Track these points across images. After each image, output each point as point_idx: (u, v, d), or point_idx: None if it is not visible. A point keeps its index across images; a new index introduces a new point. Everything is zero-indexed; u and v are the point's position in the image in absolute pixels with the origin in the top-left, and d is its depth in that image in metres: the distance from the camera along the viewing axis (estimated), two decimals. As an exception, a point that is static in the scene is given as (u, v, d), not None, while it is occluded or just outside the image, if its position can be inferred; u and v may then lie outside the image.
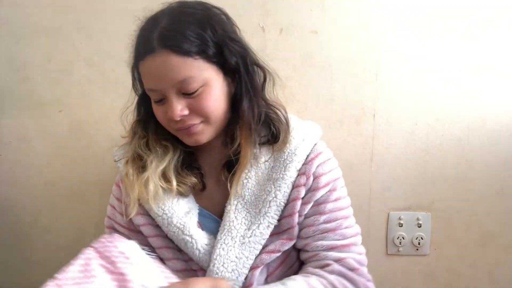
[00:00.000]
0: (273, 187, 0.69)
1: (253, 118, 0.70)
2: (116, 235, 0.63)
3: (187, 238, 0.69)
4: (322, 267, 0.69)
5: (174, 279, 0.59)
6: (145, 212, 0.73)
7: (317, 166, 0.71)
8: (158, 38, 0.63)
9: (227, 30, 0.69)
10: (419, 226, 1.06)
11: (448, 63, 1.01)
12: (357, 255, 0.71)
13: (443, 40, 1.00)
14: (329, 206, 0.71)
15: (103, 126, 1.04)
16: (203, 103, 0.66)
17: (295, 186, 0.70)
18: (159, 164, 0.72)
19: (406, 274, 1.08)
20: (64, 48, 1.02)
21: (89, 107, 1.04)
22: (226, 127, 0.72)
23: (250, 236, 0.68)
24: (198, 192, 0.76)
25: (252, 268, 0.69)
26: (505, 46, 1.01)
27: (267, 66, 0.74)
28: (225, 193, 0.72)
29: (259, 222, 0.69)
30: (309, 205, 0.70)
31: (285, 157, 0.70)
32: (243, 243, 0.68)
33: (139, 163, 0.73)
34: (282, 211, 0.70)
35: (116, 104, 0.99)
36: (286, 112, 0.74)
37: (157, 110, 0.70)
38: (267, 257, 0.70)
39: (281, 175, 0.69)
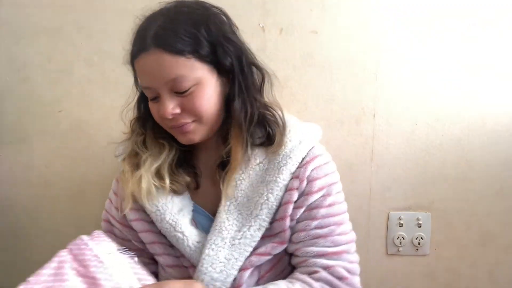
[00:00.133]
0: (265, 189, 0.69)
1: (245, 118, 0.69)
2: (96, 235, 0.63)
3: (179, 234, 0.70)
4: (310, 273, 0.68)
5: (149, 281, 0.59)
6: (140, 208, 0.74)
7: (312, 170, 0.69)
8: (152, 36, 0.64)
9: (223, 30, 0.68)
10: (419, 226, 1.06)
11: (448, 63, 1.01)
12: (347, 263, 0.69)
13: (443, 40, 1.00)
14: (322, 211, 0.69)
15: (103, 126, 1.04)
16: (195, 102, 0.66)
17: (288, 189, 0.69)
18: (154, 162, 0.72)
19: (406, 274, 1.08)
20: (64, 48, 1.02)
21: (89, 107, 1.04)
22: (221, 127, 0.72)
23: (241, 238, 0.68)
24: (194, 190, 0.76)
25: (241, 270, 0.69)
26: (505, 46, 1.01)
27: (266, 67, 0.74)
28: (220, 192, 0.72)
29: (250, 224, 0.68)
30: (302, 210, 0.69)
31: (280, 160, 0.69)
32: (233, 244, 0.68)
33: (135, 160, 0.74)
34: (274, 214, 0.69)
35: (116, 104, 0.99)
36: (283, 114, 0.73)
37: (152, 108, 0.70)
38: (257, 260, 0.69)
39: (274, 178, 0.69)
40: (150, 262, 0.79)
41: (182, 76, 0.64)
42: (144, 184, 0.70)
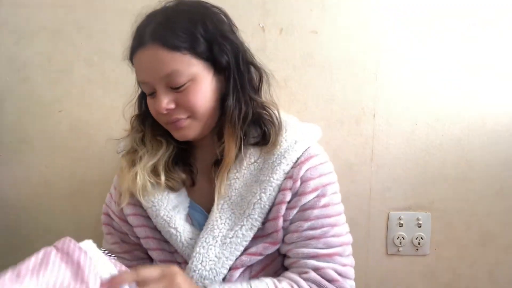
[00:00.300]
0: (258, 189, 0.68)
1: (239, 116, 0.69)
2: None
3: (172, 230, 0.71)
4: (300, 274, 0.68)
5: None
6: (136, 203, 0.75)
7: (306, 170, 0.69)
8: (149, 32, 0.66)
9: (221, 28, 0.69)
10: (419, 226, 1.06)
11: (448, 63, 1.01)
12: (339, 266, 0.68)
13: (443, 40, 1.00)
14: (316, 212, 0.68)
15: (103, 126, 1.04)
16: (190, 98, 0.67)
17: (281, 189, 0.69)
18: (150, 159, 0.73)
19: (406, 274, 1.08)
20: (64, 48, 1.02)
21: (89, 107, 1.04)
22: (216, 125, 0.73)
23: (232, 237, 0.68)
24: (191, 187, 0.77)
25: (232, 269, 0.69)
26: (505, 46, 1.00)
27: (264, 67, 0.74)
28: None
29: (242, 223, 0.68)
30: (295, 210, 0.69)
31: (274, 159, 0.69)
32: (224, 243, 0.69)
33: (133, 157, 0.75)
34: (267, 214, 0.69)
35: (116, 104, 0.99)
36: (279, 113, 0.72)
37: (150, 103, 0.71)
38: (248, 259, 0.69)
39: (268, 178, 0.69)
40: (145, 257, 0.80)
41: (178, 71, 0.65)
42: (139, 181, 0.71)
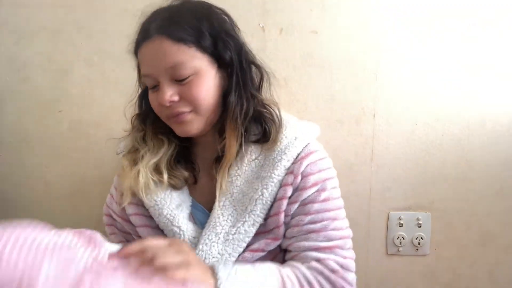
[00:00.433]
0: (260, 185, 0.69)
1: (240, 112, 0.70)
2: None
3: (176, 229, 0.71)
4: (302, 263, 0.69)
5: None
6: (138, 202, 0.75)
7: (307, 166, 0.70)
8: (156, 26, 0.67)
9: (225, 27, 0.71)
10: (419, 226, 1.06)
11: (448, 63, 1.01)
12: (341, 258, 0.68)
13: (443, 40, 1.00)
14: (316, 206, 0.69)
15: (103, 126, 1.04)
16: (193, 91, 0.67)
17: (282, 185, 0.70)
18: (152, 157, 0.73)
19: (406, 274, 1.08)
20: (64, 48, 1.02)
21: (89, 107, 1.04)
22: (217, 121, 0.73)
23: (234, 233, 0.69)
24: (192, 185, 0.77)
25: None
26: (505, 46, 1.01)
27: (265, 66, 0.75)
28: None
29: (244, 219, 0.69)
30: (296, 205, 0.70)
31: (275, 156, 0.70)
32: (227, 239, 0.69)
33: (135, 156, 0.75)
34: (269, 210, 0.70)
35: (116, 104, 0.99)
36: (280, 112, 0.74)
37: (152, 98, 0.72)
38: (250, 256, 0.70)
39: (269, 174, 0.70)
40: None
41: (182, 63, 0.66)
42: (141, 179, 0.71)
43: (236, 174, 0.71)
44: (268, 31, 1.00)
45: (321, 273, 0.66)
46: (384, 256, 1.08)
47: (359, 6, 1.00)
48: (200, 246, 0.69)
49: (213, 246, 0.69)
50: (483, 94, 1.02)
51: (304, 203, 0.70)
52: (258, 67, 0.75)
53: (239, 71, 0.71)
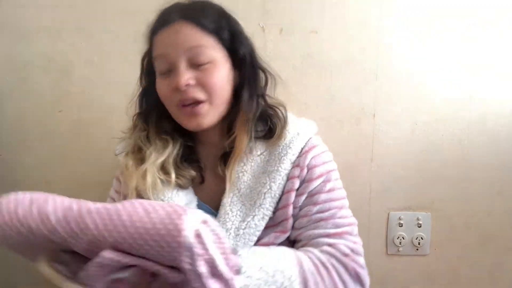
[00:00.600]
0: (268, 179, 0.71)
1: (251, 109, 0.72)
2: None
3: None
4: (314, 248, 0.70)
5: None
6: None
7: (311, 158, 0.72)
8: (179, 12, 0.70)
9: (240, 28, 0.75)
10: (419, 226, 1.06)
11: (448, 63, 1.01)
12: (350, 243, 0.70)
13: (443, 40, 1.00)
14: (323, 196, 0.71)
15: (103, 126, 1.04)
16: (209, 77, 0.69)
17: (289, 178, 0.71)
18: (159, 156, 0.73)
19: (406, 274, 1.08)
20: (64, 48, 1.02)
21: (89, 107, 1.04)
22: (225, 118, 0.74)
23: (245, 228, 0.69)
24: (197, 185, 0.77)
25: None
26: (505, 46, 1.01)
27: (270, 69, 0.77)
28: (222, 186, 0.73)
29: (254, 213, 0.70)
30: (304, 196, 0.71)
31: (280, 151, 0.72)
32: (238, 234, 0.69)
33: (139, 155, 0.74)
34: (277, 203, 0.71)
35: (116, 104, 0.99)
36: (286, 111, 0.76)
37: (162, 84, 0.71)
38: None
39: (276, 168, 0.71)
40: None
41: (203, 47, 0.68)
42: (149, 178, 0.71)
43: (243, 170, 0.72)
44: (268, 31, 1.00)
45: (333, 256, 0.67)
46: (384, 256, 1.08)
47: (359, 6, 1.00)
48: None
49: None
50: (483, 94, 1.02)
51: (311, 194, 0.71)
52: (264, 70, 0.77)
53: (251, 69, 0.74)
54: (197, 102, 0.69)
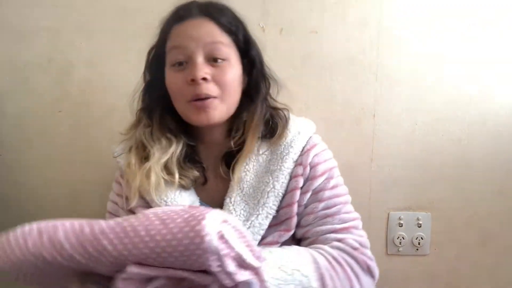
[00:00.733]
0: (271, 178, 0.71)
1: (262, 113, 0.74)
2: None
3: None
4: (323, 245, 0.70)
5: None
6: (146, 205, 0.73)
7: (313, 156, 0.73)
8: (199, 9, 0.72)
9: (251, 34, 0.77)
10: (419, 226, 1.06)
11: (448, 63, 1.01)
12: (358, 236, 0.71)
13: (443, 40, 1.00)
14: (327, 193, 0.72)
15: (103, 126, 1.04)
16: (224, 74, 0.70)
17: (293, 176, 0.72)
18: (162, 156, 0.73)
19: (406, 274, 1.08)
20: (64, 48, 1.02)
21: (89, 107, 1.04)
22: (231, 118, 0.75)
23: (249, 227, 0.69)
24: (199, 186, 0.77)
25: None
26: (505, 46, 1.01)
27: (273, 74, 0.79)
28: (224, 186, 0.74)
29: (257, 212, 0.70)
30: (308, 194, 0.72)
31: (282, 150, 0.73)
32: None
33: (142, 153, 0.74)
34: (281, 201, 0.71)
35: (116, 104, 0.99)
36: (289, 113, 0.78)
37: (174, 77, 0.71)
38: None
39: (279, 167, 0.72)
40: None
41: (222, 43, 0.70)
42: (153, 177, 0.71)
43: (245, 170, 0.73)
44: (268, 31, 1.00)
45: (344, 251, 0.68)
46: (384, 256, 1.08)
47: (359, 6, 1.00)
48: None
49: None
50: (483, 94, 1.02)
51: (315, 192, 0.72)
52: (271, 76, 0.79)
53: (260, 72, 0.76)
54: (209, 97, 0.70)
